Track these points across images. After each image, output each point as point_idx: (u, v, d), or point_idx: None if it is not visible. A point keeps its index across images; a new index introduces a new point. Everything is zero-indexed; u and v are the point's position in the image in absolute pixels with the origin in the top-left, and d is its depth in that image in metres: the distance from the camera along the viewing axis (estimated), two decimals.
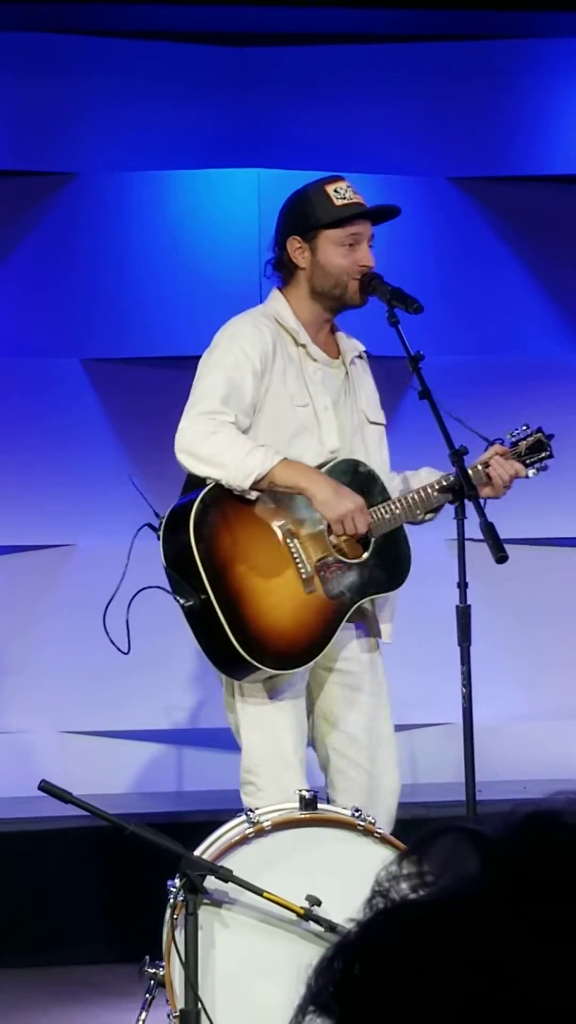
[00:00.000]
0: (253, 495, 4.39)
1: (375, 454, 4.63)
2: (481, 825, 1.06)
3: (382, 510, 4.50)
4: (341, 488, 4.44)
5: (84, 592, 6.79)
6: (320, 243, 4.62)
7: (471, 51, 7.31)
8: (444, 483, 4.54)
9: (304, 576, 4.46)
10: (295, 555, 4.46)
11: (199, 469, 4.38)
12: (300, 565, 4.46)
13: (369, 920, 1.03)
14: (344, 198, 4.63)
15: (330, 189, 4.66)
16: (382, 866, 1.07)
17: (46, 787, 4.00)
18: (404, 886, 1.04)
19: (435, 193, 7.33)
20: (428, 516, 4.67)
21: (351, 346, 4.73)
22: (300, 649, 4.45)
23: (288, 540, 4.46)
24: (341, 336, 4.73)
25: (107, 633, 4.48)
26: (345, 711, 4.61)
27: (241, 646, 4.36)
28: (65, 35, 7.11)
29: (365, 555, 4.52)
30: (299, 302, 4.66)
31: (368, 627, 4.61)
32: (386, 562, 4.53)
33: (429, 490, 4.53)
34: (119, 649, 4.45)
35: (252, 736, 4.50)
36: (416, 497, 4.53)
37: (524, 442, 4.65)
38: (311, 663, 4.47)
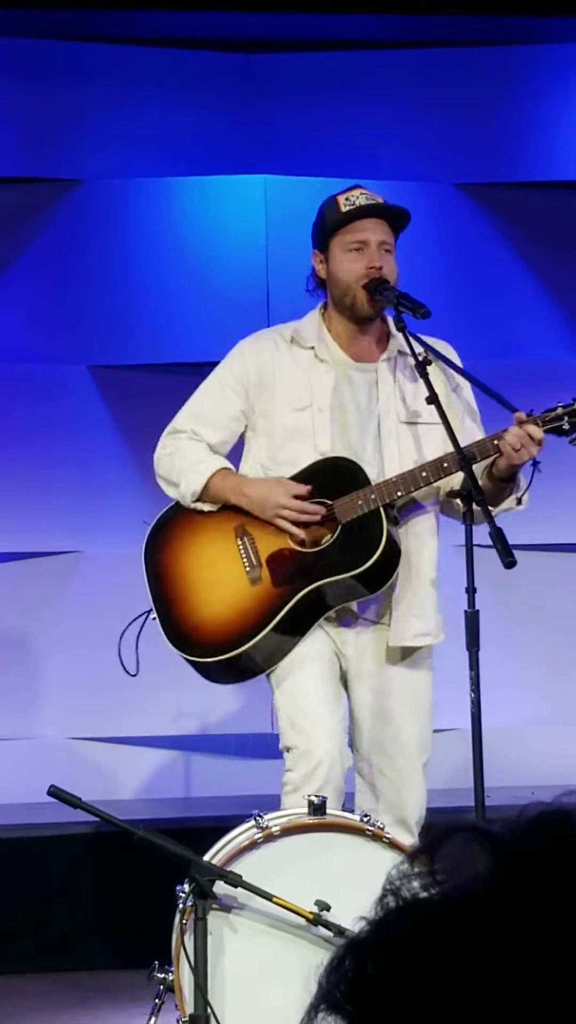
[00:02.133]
0: (208, 507, 4.61)
1: (408, 454, 4.58)
2: (491, 825, 1.06)
3: (354, 496, 4.50)
4: (262, 488, 4.53)
5: (91, 598, 6.80)
6: (332, 252, 4.65)
7: (477, 57, 7.31)
8: (435, 465, 4.49)
9: (248, 570, 4.58)
10: (242, 551, 4.60)
11: (164, 488, 4.69)
12: (245, 559, 4.59)
13: (380, 919, 1.04)
14: (352, 203, 4.64)
15: (341, 198, 4.68)
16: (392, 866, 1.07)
17: (55, 792, 4.01)
18: (415, 885, 1.04)
19: (442, 199, 7.33)
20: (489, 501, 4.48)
21: (403, 347, 4.62)
22: (235, 635, 4.55)
23: (240, 538, 4.60)
24: (397, 339, 4.66)
25: (120, 655, 4.60)
26: (369, 716, 4.62)
27: (173, 643, 4.59)
28: (70, 42, 7.11)
29: (324, 544, 4.52)
30: (331, 313, 4.71)
31: (392, 635, 4.60)
32: (351, 547, 4.52)
33: (416, 471, 4.50)
34: (127, 671, 4.59)
35: (278, 705, 4.58)
36: (395, 479, 4.50)
37: (561, 409, 4.59)
38: (249, 644, 4.52)
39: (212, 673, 4.66)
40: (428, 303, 4.52)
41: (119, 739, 6.95)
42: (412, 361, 4.59)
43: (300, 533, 4.53)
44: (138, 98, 7.19)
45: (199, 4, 7.04)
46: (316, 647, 4.58)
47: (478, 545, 4.44)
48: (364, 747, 4.63)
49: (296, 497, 4.51)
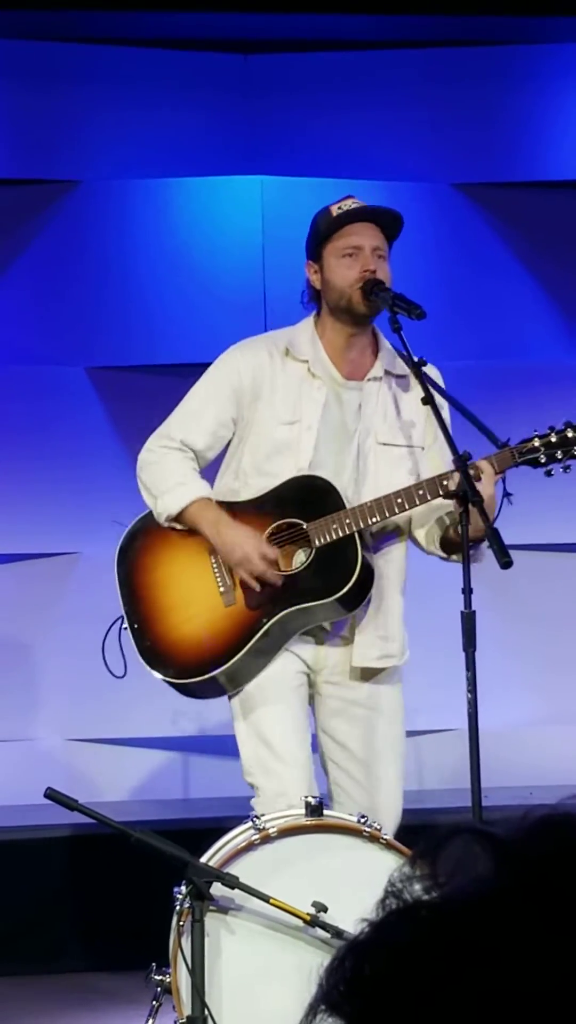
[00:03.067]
0: (180, 527, 4.60)
1: (385, 475, 4.57)
2: (493, 827, 1.06)
3: (328, 519, 4.49)
4: (238, 537, 4.51)
5: (89, 600, 6.79)
6: (326, 259, 4.64)
7: (475, 57, 7.32)
8: (410, 492, 4.48)
9: (223, 591, 4.57)
10: (215, 571, 4.59)
11: (142, 494, 4.67)
12: (220, 580, 4.58)
13: (381, 920, 1.04)
14: (343, 210, 4.64)
15: (334, 207, 4.68)
16: (388, 871, 1.07)
17: (52, 795, 4.00)
18: (416, 887, 1.04)
19: (439, 199, 7.34)
20: (454, 554, 4.52)
21: (388, 365, 4.65)
22: (209, 657, 4.55)
23: (214, 556, 4.60)
24: (383, 355, 4.67)
25: (104, 659, 4.60)
26: (338, 722, 4.61)
27: (146, 661, 4.59)
28: (68, 43, 7.12)
29: (297, 566, 4.52)
30: (324, 324, 4.69)
31: (354, 655, 4.59)
32: (326, 571, 4.51)
33: (391, 497, 4.49)
34: (113, 674, 4.58)
35: (241, 738, 4.57)
36: (371, 505, 4.49)
37: (538, 440, 4.56)
38: (222, 668, 4.52)
39: (182, 691, 4.67)
40: (425, 304, 4.51)
41: (116, 740, 6.95)
42: (396, 381, 4.63)
43: (256, 586, 4.51)
44: (136, 99, 7.19)
45: (197, 5, 7.04)
46: (285, 673, 4.56)
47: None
48: (338, 757, 4.61)
49: (263, 558, 4.49)
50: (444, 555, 4.59)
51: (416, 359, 4.48)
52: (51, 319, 7.12)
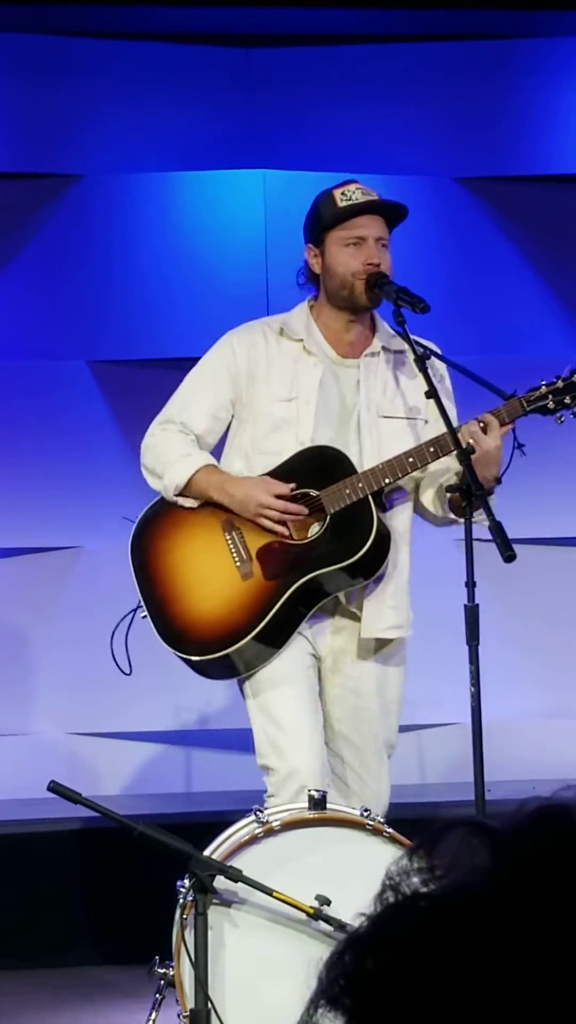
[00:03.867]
0: (189, 503, 4.59)
1: (387, 447, 4.56)
2: (490, 820, 1.06)
3: (341, 485, 4.50)
4: (245, 487, 4.52)
5: (91, 594, 6.80)
6: (328, 246, 4.64)
7: (477, 51, 7.31)
8: (421, 451, 4.49)
9: (239, 564, 4.56)
10: (231, 546, 4.58)
11: (147, 478, 4.68)
12: (235, 555, 4.58)
13: (379, 914, 1.04)
14: (349, 199, 4.64)
15: (337, 192, 4.67)
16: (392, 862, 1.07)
17: (55, 788, 4.00)
18: (414, 880, 1.04)
19: (441, 193, 7.33)
20: (455, 513, 4.54)
21: (385, 341, 4.68)
22: (231, 631, 4.53)
23: (228, 533, 4.59)
24: (381, 332, 4.70)
25: (112, 655, 4.59)
26: (340, 712, 4.62)
27: (167, 642, 4.57)
28: (69, 37, 7.11)
29: (313, 535, 4.52)
30: (321, 307, 4.70)
31: (363, 626, 4.60)
32: (342, 537, 4.51)
33: (403, 457, 4.50)
34: (121, 670, 4.59)
35: (254, 721, 4.57)
36: (382, 466, 4.49)
37: (545, 387, 4.57)
38: (248, 638, 4.51)
39: (208, 670, 4.65)
40: (427, 297, 4.51)
41: (119, 734, 6.94)
42: (395, 357, 4.64)
43: (284, 531, 4.51)
44: (138, 93, 7.19)
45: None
46: (295, 657, 4.56)
47: (478, 539, 4.44)
48: (335, 742, 4.62)
49: (278, 496, 4.50)
50: (454, 517, 4.56)
51: (419, 353, 4.48)
52: (53, 313, 7.11)
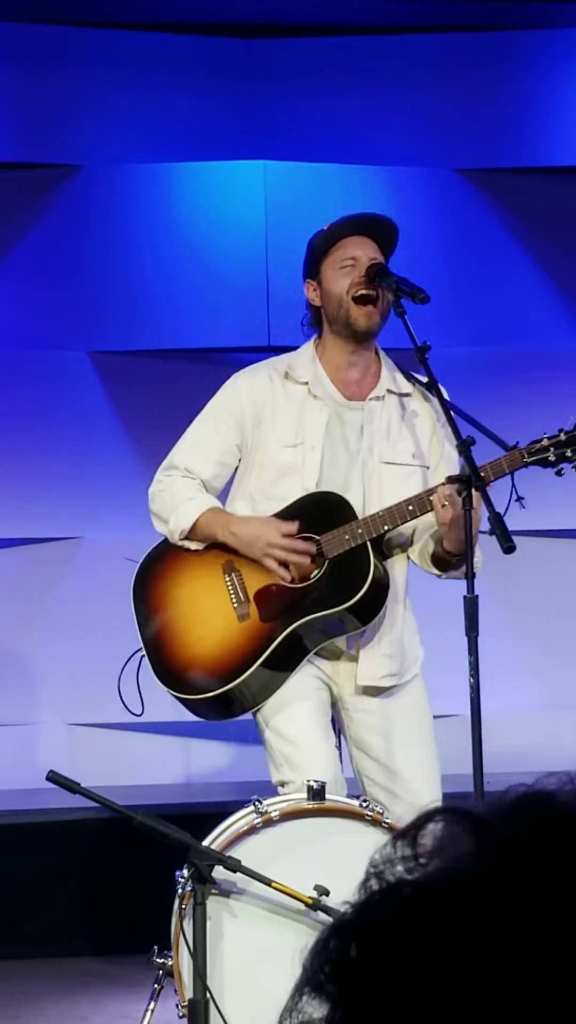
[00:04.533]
0: (195, 546, 4.61)
1: (390, 494, 4.54)
2: (474, 807, 1.06)
3: (340, 531, 4.50)
4: (251, 527, 4.52)
5: (91, 585, 6.80)
6: (323, 276, 4.65)
7: (478, 42, 7.30)
8: (421, 499, 4.48)
9: (236, 606, 4.58)
10: (230, 588, 4.60)
11: (155, 525, 4.68)
12: (233, 596, 4.59)
13: (363, 901, 1.04)
14: (335, 222, 4.66)
15: (328, 227, 4.68)
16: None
17: (54, 778, 4.01)
18: (398, 868, 1.04)
19: (442, 184, 7.33)
20: (436, 566, 4.53)
21: (391, 384, 4.66)
22: (224, 671, 4.55)
23: (227, 575, 4.61)
24: (386, 374, 4.67)
25: (120, 695, 4.62)
26: (367, 736, 4.61)
27: (163, 681, 4.60)
28: (69, 27, 7.11)
29: (311, 579, 4.53)
30: (325, 344, 4.69)
31: (359, 674, 4.58)
32: (339, 581, 4.51)
33: (402, 505, 4.49)
34: (131, 711, 4.61)
35: (268, 746, 4.57)
36: (381, 514, 4.49)
37: (547, 440, 4.55)
38: (238, 680, 4.52)
39: (202, 710, 4.68)
40: (428, 289, 4.51)
41: (118, 725, 6.95)
42: (399, 400, 4.63)
43: (287, 575, 4.52)
44: (138, 83, 7.18)
45: None
46: (305, 681, 4.56)
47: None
48: (374, 773, 4.60)
49: (285, 535, 4.51)
50: (438, 573, 4.59)
51: (419, 344, 4.48)
52: (53, 304, 7.11)
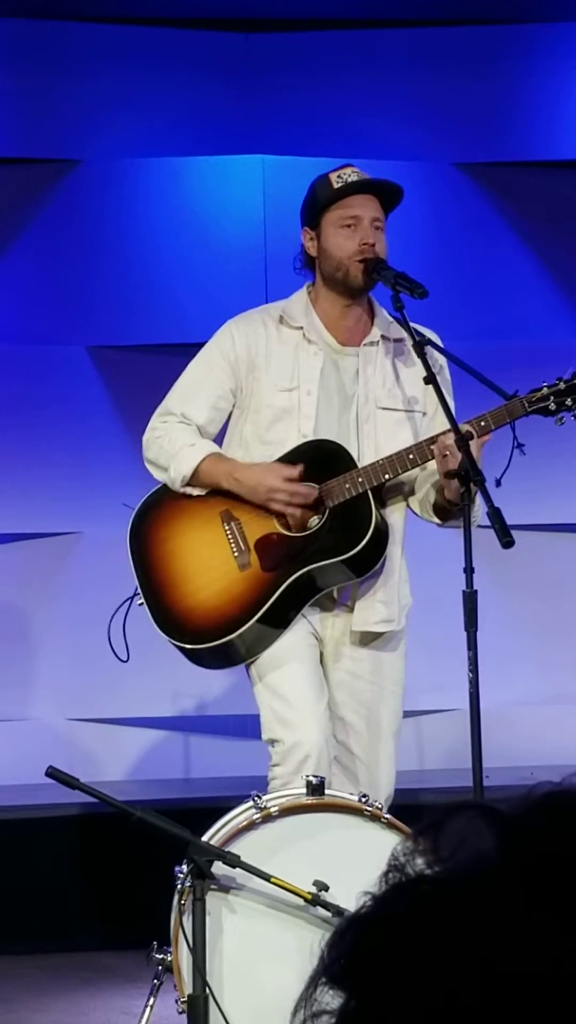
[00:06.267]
0: (197, 492, 4.59)
1: (385, 439, 4.58)
2: (497, 804, 1.06)
3: (341, 479, 4.50)
4: (254, 472, 4.52)
5: (90, 580, 6.80)
6: (323, 228, 4.64)
7: (477, 36, 7.29)
8: (422, 447, 4.47)
9: (237, 555, 4.57)
10: (230, 536, 4.59)
11: (152, 472, 4.66)
12: (234, 545, 4.59)
13: (383, 895, 1.04)
14: (344, 180, 4.64)
15: (333, 175, 4.67)
16: (389, 851, 1.07)
17: (53, 773, 4.00)
18: (419, 862, 1.04)
19: (441, 179, 7.32)
20: (439, 509, 4.52)
21: (384, 330, 4.67)
22: (226, 621, 4.54)
23: (226, 523, 4.60)
24: (379, 320, 4.68)
25: (110, 641, 4.60)
26: (340, 695, 4.62)
27: (163, 630, 4.57)
28: (68, 22, 7.10)
29: (312, 528, 4.52)
30: (319, 292, 4.70)
31: (354, 620, 4.60)
32: (340, 530, 4.51)
33: (403, 453, 4.49)
34: (118, 657, 4.59)
35: (260, 700, 4.57)
36: (382, 462, 4.49)
37: (547, 388, 4.55)
38: (240, 631, 4.52)
39: (202, 659, 4.66)
40: (426, 283, 4.51)
41: (117, 720, 6.95)
42: (394, 346, 4.63)
43: (296, 513, 4.52)
44: (137, 78, 7.18)
45: None
46: (298, 637, 4.57)
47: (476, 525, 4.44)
48: (339, 730, 4.62)
49: (288, 479, 4.50)
50: (439, 521, 4.58)
51: (418, 339, 4.48)
52: (52, 298, 7.11)
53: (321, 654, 4.63)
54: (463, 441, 4.37)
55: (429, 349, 4.50)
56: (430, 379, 4.43)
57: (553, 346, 7.29)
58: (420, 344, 4.46)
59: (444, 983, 0.97)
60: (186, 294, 7.14)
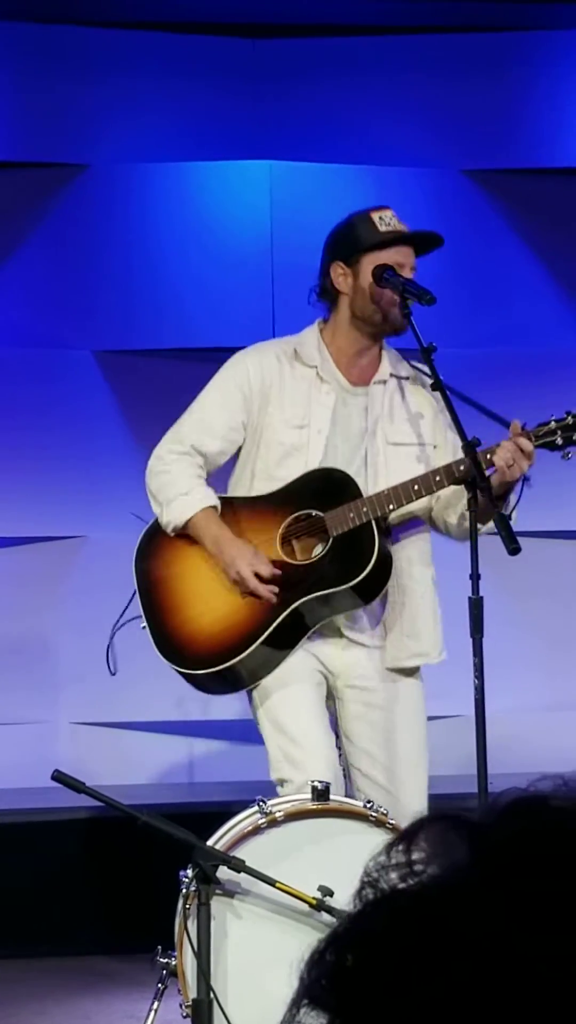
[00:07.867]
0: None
1: (396, 473, 4.55)
2: (469, 813, 1.05)
3: (345, 508, 4.50)
4: (234, 551, 4.52)
5: (95, 584, 6.80)
6: (362, 267, 4.60)
7: (484, 43, 7.30)
8: (427, 479, 4.48)
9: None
10: None
11: (150, 502, 4.67)
12: None
13: (359, 911, 1.03)
14: (388, 225, 4.62)
15: (375, 216, 4.64)
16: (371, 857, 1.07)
17: (60, 777, 4.01)
18: (393, 876, 1.04)
19: (448, 185, 7.32)
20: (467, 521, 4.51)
21: (392, 368, 4.68)
22: (226, 647, 4.55)
23: None
24: (387, 359, 4.69)
25: (107, 654, 4.61)
26: (360, 726, 4.61)
27: (164, 655, 4.60)
28: (75, 27, 7.11)
29: (316, 556, 4.53)
30: (337, 329, 4.68)
31: (386, 657, 4.60)
32: (343, 559, 4.51)
33: (408, 484, 4.50)
34: (111, 671, 4.62)
35: (265, 733, 4.55)
36: (387, 492, 4.49)
37: (555, 423, 4.55)
38: (237, 658, 4.52)
39: (202, 684, 4.67)
40: (434, 289, 4.51)
41: (123, 724, 6.95)
42: (402, 383, 4.64)
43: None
44: (144, 83, 7.18)
45: None
46: (301, 666, 4.56)
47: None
48: (362, 764, 4.60)
49: (257, 574, 4.50)
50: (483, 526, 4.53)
51: (426, 345, 4.48)
52: (58, 302, 7.12)
53: (331, 688, 4.63)
54: (470, 448, 4.37)
55: (423, 391, 4.55)
56: (437, 385, 4.44)
57: (561, 353, 7.29)
58: (427, 351, 4.46)
59: (426, 998, 0.97)
60: (192, 299, 7.15)
